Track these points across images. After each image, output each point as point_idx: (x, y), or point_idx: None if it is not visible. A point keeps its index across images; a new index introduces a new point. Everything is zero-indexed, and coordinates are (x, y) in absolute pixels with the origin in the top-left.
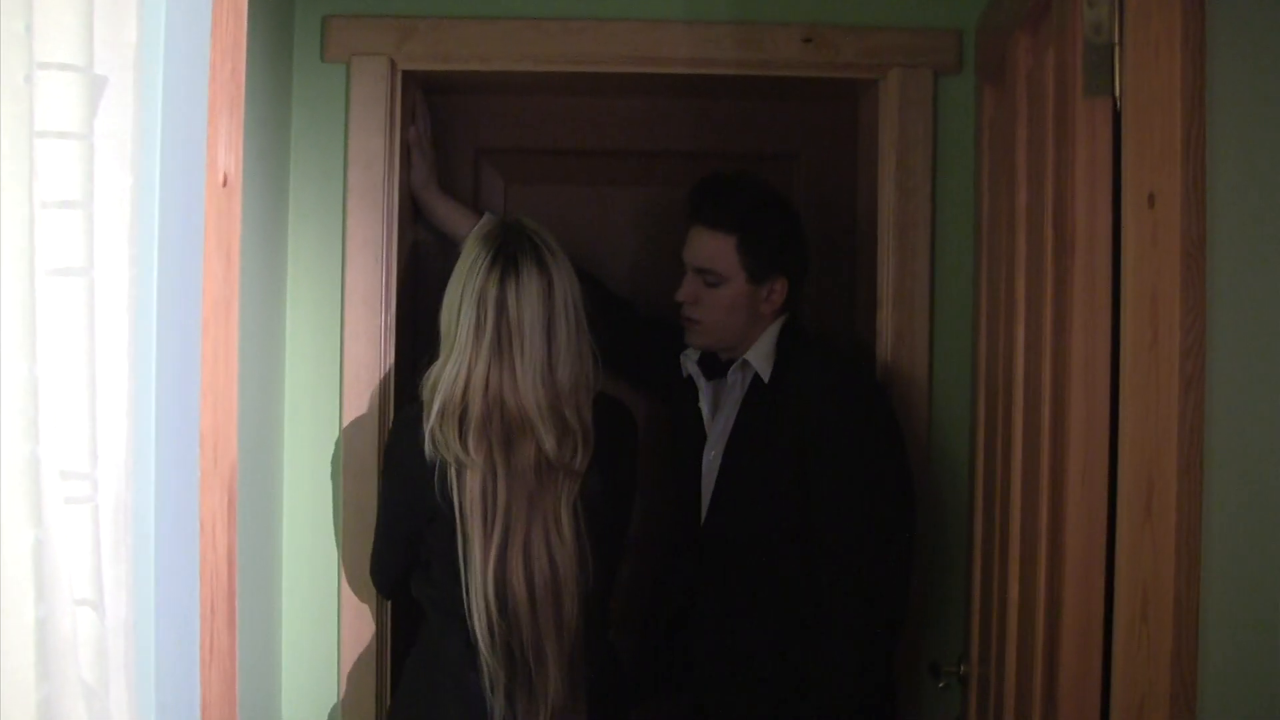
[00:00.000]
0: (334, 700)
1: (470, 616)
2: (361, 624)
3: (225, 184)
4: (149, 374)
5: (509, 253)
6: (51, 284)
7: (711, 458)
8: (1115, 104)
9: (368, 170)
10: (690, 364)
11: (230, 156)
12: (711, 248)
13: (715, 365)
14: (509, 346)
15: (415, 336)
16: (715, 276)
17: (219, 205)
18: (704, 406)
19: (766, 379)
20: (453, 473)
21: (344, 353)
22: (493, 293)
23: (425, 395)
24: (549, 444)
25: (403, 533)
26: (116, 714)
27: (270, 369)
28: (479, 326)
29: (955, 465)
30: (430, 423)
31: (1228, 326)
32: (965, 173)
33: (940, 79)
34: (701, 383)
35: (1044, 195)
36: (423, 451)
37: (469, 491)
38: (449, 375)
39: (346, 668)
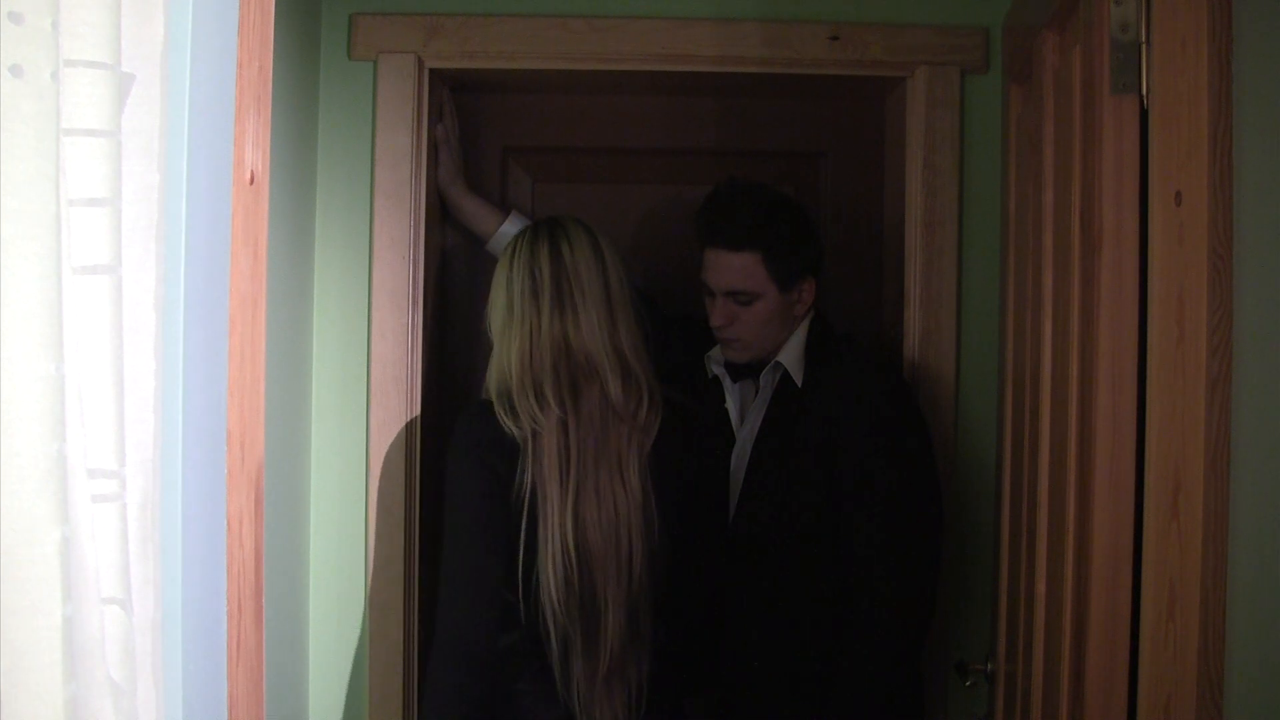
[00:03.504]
0: (361, 697)
1: (547, 570)
2: (389, 623)
3: (252, 182)
4: (176, 372)
5: (552, 224)
6: (79, 282)
7: (739, 458)
8: (1142, 102)
9: (395, 168)
10: (716, 366)
11: (257, 154)
12: (738, 269)
13: (741, 366)
14: (570, 294)
15: (442, 335)
16: (747, 295)
17: (246, 203)
18: (731, 408)
19: (800, 383)
20: (529, 446)
21: (371, 351)
22: (545, 253)
23: (490, 388)
24: (614, 388)
25: (497, 542)
26: (144, 712)
27: (298, 367)
28: (537, 288)
29: (982, 463)
30: (502, 403)
31: (1255, 325)
32: (992, 171)
33: (967, 77)
34: (728, 384)
35: (1071, 193)
36: (501, 435)
37: (546, 448)
38: (516, 350)
39: (374, 666)
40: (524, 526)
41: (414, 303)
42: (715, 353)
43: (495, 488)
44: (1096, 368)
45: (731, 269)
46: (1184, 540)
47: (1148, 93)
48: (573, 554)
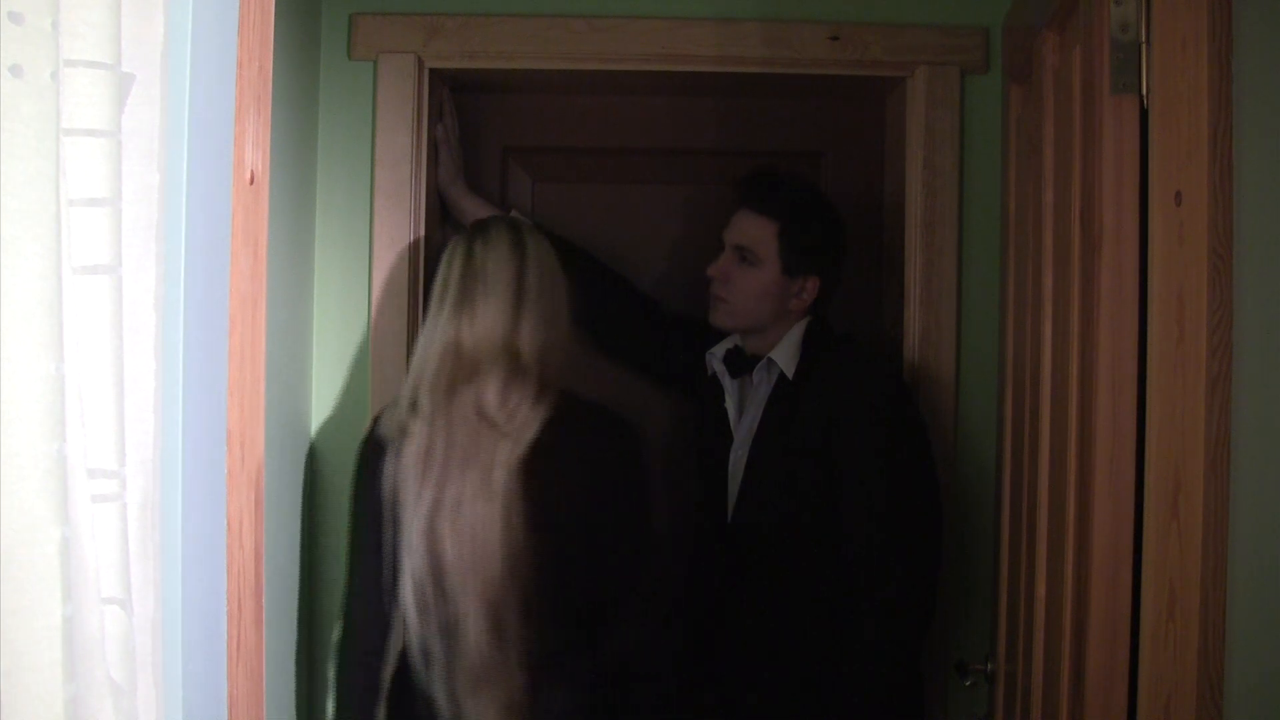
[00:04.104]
0: None
1: (403, 576)
2: None
3: (252, 181)
4: (176, 372)
5: (476, 226)
6: (79, 282)
7: (737, 457)
8: (1142, 102)
9: (395, 168)
10: (715, 362)
11: (257, 154)
12: (754, 229)
13: (740, 363)
14: (472, 293)
15: None
16: (752, 256)
17: (246, 203)
18: (730, 406)
19: (791, 375)
20: (394, 451)
21: (371, 352)
22: (459, 255)
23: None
24: (491, 390)
25: (377, 547)
26: (144, 712)
27: (298, 367)
28: (445, 290)
29: (982, 463)
30: (387, 408)
31: (1255, 324)
32: (992, 171)
33: (967, 77)
34: (727, 381)
35: (1071, 193)
36: (375, 439)
37: (408, 452)
38: (416, 354)
39: None
40: (389, 531)
41: (413, 303)
42: (716, 349)
43: (372, 493)
44: (1096, 367)
45: (747, 227)
46: (1184, 540)
47: (1148, 93)
48: (423, 561)
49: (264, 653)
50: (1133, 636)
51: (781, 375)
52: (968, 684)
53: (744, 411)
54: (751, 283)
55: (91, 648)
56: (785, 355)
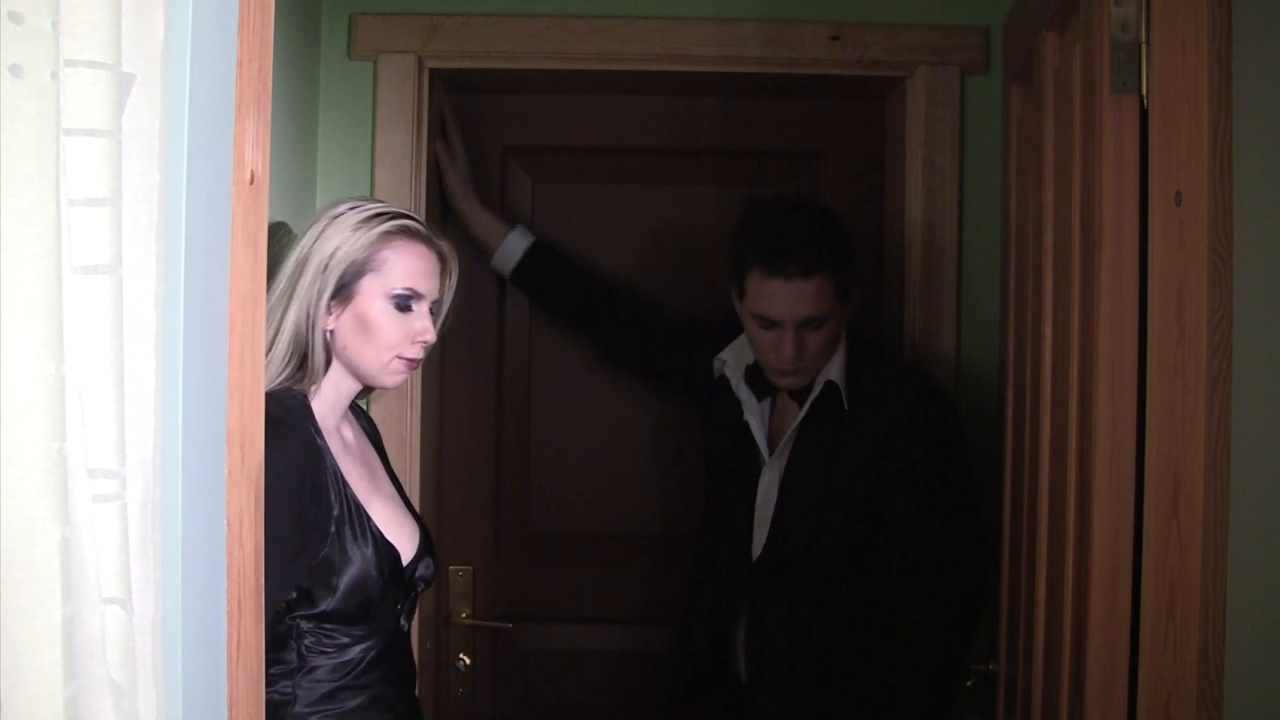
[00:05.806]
0: None
1: None
2: None
3: (252, 182)
4: (176, 372)
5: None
6: (79, 282)
7: (771, 478)
8: (1142, 102)
9: (394, 168)
10: (730, 371)
11: (257, 154)
12: (812, 296)
13: (767, 382)
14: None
15: (442, 335)
16: (819, 320)
17: (246, 203)
18: (754, 425)
19: (847, 404)
20: None
21: None
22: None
23: None
24: None
25: None
26: (144, 712)
27: None
28: None
29: (983, 463)
30: None
31: (1255, 324)
32: (992, 171)
33: (967, 77)
34: (749, 400)
35: (1071, 193)
36: None
37: None
38: None
39: None
40: None
41: None
42: (728, 356)
43: None
44: (1096, 367)
45: (805, 297)
46: (1184, 541)
47: (1148, 93)
48: None
49: (264, 653)
50: (1133, 636)
51: (822, 394)
52: (968, 684)
53: (777, 430)
54: (823, 338)
55: (91, 648)
56: (840, 375)
